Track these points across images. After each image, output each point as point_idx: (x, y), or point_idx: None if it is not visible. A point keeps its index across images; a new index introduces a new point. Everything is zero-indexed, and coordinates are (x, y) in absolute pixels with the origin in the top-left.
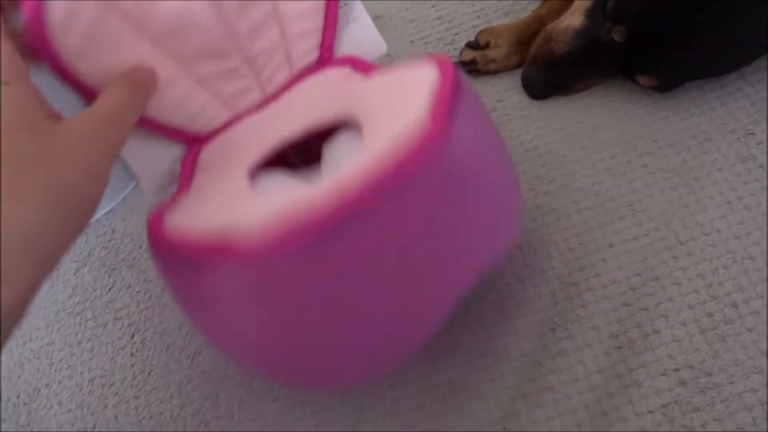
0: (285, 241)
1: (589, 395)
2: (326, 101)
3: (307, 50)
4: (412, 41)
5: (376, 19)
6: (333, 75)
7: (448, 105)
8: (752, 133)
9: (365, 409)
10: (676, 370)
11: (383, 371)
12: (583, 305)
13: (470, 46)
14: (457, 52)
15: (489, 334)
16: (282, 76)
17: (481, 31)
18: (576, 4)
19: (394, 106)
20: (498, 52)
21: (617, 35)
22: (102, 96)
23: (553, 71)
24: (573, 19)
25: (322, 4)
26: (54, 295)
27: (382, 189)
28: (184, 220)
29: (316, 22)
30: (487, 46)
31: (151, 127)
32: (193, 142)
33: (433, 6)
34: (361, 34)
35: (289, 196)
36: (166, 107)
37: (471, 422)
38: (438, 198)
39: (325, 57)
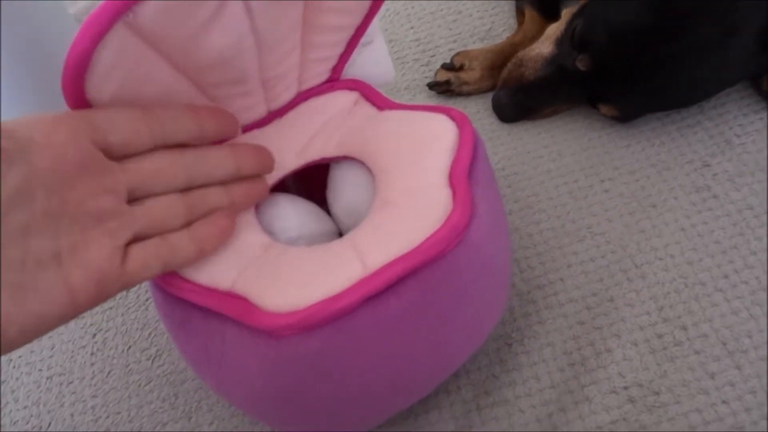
0: (311, 328)
1: (542, 409)
2: (333, 132)
3: (320, 73)
4: None
5: None
6: (341, 100)
7: (467, 175)
8: (708, 165)
9: None
10: (626, 388)
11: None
12: (540, 322)
13: (445, 67)
14: (433, 73)
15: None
16: (289, 95)
17: (457, 54)
18: (547, 32)
19: (410, 162)
20: (472, 74)
21: (581, 64)
22: None
23: (522, 96)
24: (543, 47)
25: (348, 36)
26: None
27: (405, 281)
28: (192, 267)
29: (337, 50)
30: (461, 68)
31: None
32: None
33: (411, 28)
34: (373, 57)
35: (313, 280)
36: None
37: None
38: (456, 282)
39: (333, 78)
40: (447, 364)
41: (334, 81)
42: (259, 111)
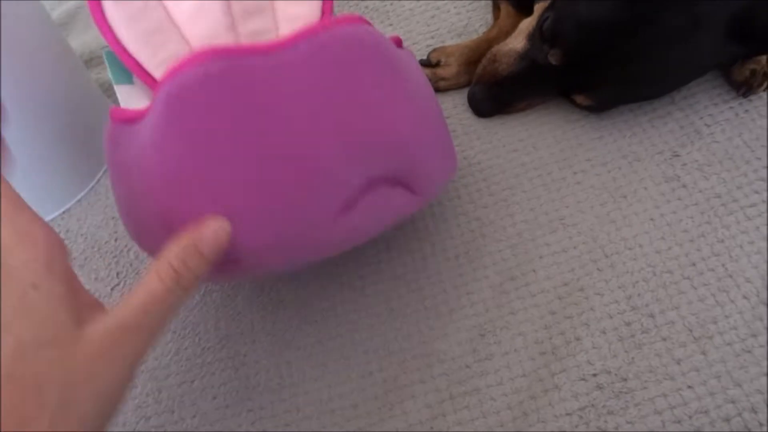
0: (200, 57)
1: (513, 397)
2: None
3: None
4: None
5: None
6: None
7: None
8: (678, 155)
9: (300, 407)
10: (594, 375)
11: (296, 248)
12: (512, 312)
13: (422, 63)
14: None
15: (422, 338)
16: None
17: (434, 50)
18: (520, 27)
19: None
20: (448, 70)
21: (553, 58)
22: (140, 287)
23: (497, 91)
24: (516, 42)
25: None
26: None
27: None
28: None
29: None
30: (438, 64)
31: (146, 80)
32: None
33: (390, 25)
34: None
35: None
36: (159, 61)
37: (401, 422)
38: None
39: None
40: (344, 158)
41: None
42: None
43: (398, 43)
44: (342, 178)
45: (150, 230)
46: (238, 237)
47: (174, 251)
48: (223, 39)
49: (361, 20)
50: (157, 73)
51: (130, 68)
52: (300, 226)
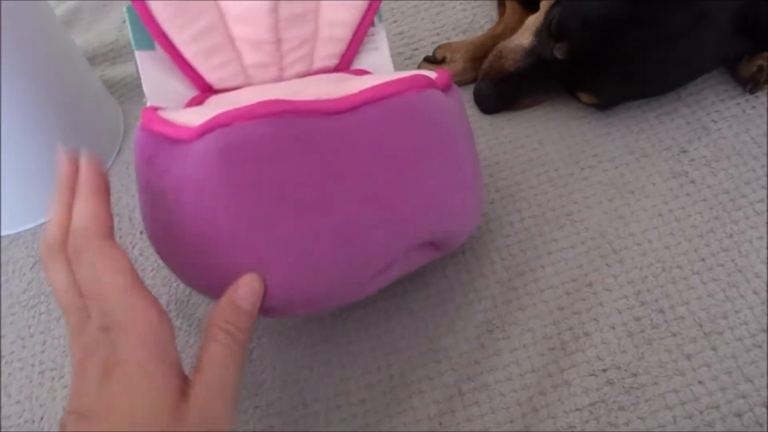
0: (262, 111)
1: (522, 393)
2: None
3: (330, 54)
4: None
5: None
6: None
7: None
8: (686, 151)
9: (307, 404)
10: (604, 370)
11: (329, 302)
12: (520, 308)
13: (428, 60)
14: (416, 66)
15: (430, 334)
16: (300, 67)
17: (439, 47)
18: (526, 23)
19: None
20: (454, 66)
21: (559, 52)
22: (205, 354)
23: (503, 87)
24: (523, 38)
25: (357, 20)
26: (9, 289)
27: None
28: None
29: (347, 32)
30: (443, 60)
31: (179, 61)
32: (206, 90)
33: (395, 21)
34: (377, 63)
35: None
36: (200, 50)
37: (409, 418)
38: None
39: (342, 68)
40: (397, 222)
41: (344, 69)
42: (271, 73)
43: (448, 79)
44: (385, 250)
45: (195, 266)
46: (278, 291)
47: (220, 314)
48: (266, 43)
49: (428, 81)
50: (211, 76)
51: (183, 71)
52: (338, 288)
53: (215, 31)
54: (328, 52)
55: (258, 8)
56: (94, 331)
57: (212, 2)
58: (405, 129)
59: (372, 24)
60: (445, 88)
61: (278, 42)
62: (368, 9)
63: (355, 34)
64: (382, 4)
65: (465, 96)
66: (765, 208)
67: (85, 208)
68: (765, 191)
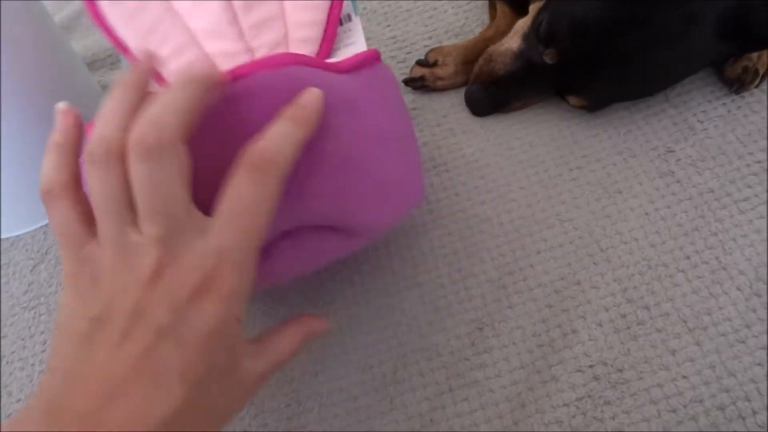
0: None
1: (511, 389)
2: None
3: (305, 38)
4: None
5: None
6: None
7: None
8: (672, 151)
9: (301, 401)
10: (591, 366)
11: None
12: (510, 306)
13: (420, 63)
14: (409, 70)
15: (421, 332)
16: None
17: (431, 50)
18: (515, 27)
19: None
20: (446, 70)
21: (548, 57)
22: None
23: (493, 90)
24: (512, 41)
25: (324, 18)
26: (9, 291)
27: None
28: None
29: (317, 32)
30: (435, 64)
31: (158, 79)
32: None
33: (387, 26)
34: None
35: None
36: (178, 67)
37: (401, 414)
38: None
39: None
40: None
41: None
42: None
43: (376, 57)
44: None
45: None
46: None
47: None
48: (238, 54)
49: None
50: (163, 68)
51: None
52: None
53: (188, 50)
54: (301, 52)
55: (217, 23)
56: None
57: (180, 24)
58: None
59: (349, 19)
60: (349, 69)
61: (251, 51)
62: (331, 7)
63: (325, 32)
64: (375, 8)
65: (456, 99)
66: (749, 207)
67: (171, 100)
68: (749, 190)
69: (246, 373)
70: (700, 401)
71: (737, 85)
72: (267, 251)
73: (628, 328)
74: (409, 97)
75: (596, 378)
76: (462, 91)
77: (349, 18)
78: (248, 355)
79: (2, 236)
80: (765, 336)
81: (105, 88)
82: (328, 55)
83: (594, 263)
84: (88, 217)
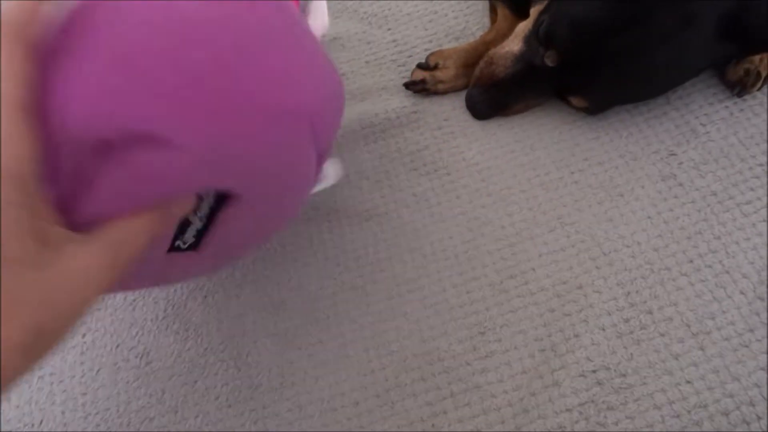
0: None
1: (513, 394)
2: None
3: None
4: (368, 62)
5: (333, 40)
6: None
7: None
8: (674, 154)
9: (302, 406)
10: (594, 371)
11: None
12: (512, 311)
13: (421, 66)
14: (409, 73)
15: (423, 336)
16: None
17: (432, 54)
18: (516, 30)
19: None
20: (446, 73)
21: (549, 60)
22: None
23: (494, 93)
24: (513, 44)
25: None
26: None
27: None
28: None
29: None
30: (436, 67)
31: None
32: None
33: (388, 29)
34: (314, 11)
35: None
36: None
37: (403, 419)
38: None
39: None
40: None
41: None
42: None
43: None
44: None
45: None
46: None
47: None
48: None
49: None
50: None
51: None
52: None
53: None
54: None
55: None
56: None
57: None
58: None
59: None
60: None
61: None
62: None
63: None
64: (375, 11)
65: (457, 102)
66: (752, 210)
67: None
68: (752, 193)
69: (67, 262)
70: (704, 406)
71: (739, 87)
72: (79, 179)
73: (631, 332)
74: (410, 100)
75: (599, 383)
76: (463, 95)
77: None
78: (70, 242)
79: None
80: None
81: None
82: None
83: (596, 267)
84: None
